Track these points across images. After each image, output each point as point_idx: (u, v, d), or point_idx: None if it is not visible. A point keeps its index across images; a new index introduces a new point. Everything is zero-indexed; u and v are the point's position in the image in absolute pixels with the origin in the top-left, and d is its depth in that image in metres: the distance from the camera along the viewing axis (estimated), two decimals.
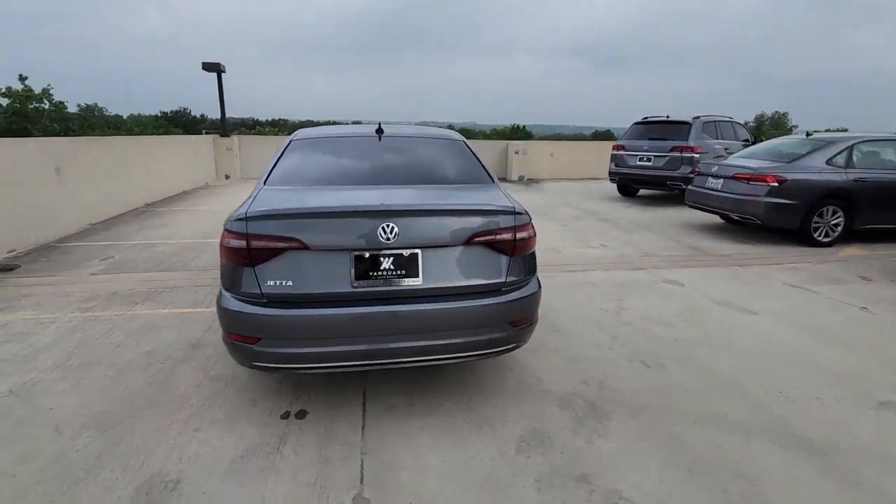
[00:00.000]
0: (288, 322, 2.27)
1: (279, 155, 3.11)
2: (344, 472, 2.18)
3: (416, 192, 2.76)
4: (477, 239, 2.43)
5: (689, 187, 7.61)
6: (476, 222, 2.44)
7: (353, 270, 2.32)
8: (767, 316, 4.09)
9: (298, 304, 2.31)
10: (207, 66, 12.46)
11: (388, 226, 2.31)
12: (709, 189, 7.18)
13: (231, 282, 2.36)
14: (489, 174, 3.11)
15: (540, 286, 2.71)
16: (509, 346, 2.58)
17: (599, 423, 2.57)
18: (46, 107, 44.96)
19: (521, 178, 14.35)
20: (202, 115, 72.26)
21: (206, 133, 17.00)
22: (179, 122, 66.08)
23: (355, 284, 2.32)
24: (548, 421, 2.59)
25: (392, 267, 2.36)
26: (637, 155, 9.94)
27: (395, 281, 2.36)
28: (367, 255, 2.33)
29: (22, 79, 41.34)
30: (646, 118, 10.43)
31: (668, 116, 9.96)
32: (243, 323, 2.29)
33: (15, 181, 5.80)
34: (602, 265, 5.57)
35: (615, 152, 10.44)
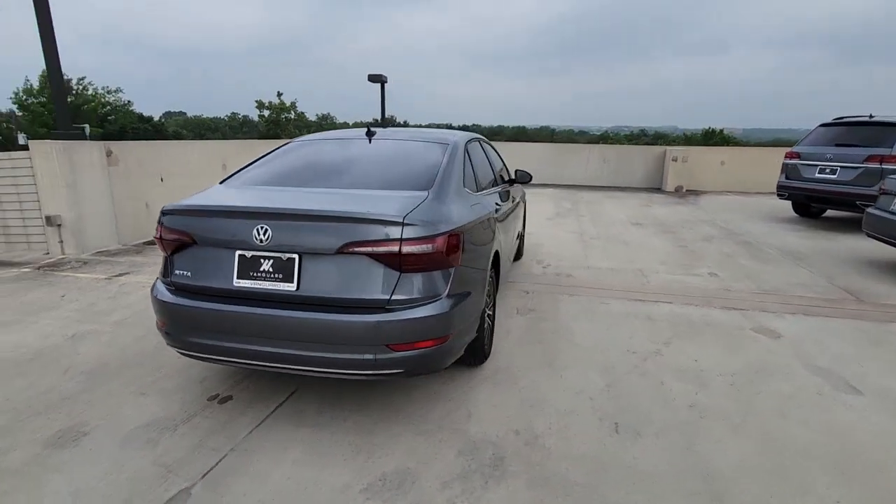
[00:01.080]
0: (182, 311, 2.43)
1: (261, 157, 3.33)
2: (200, 463, 2.25)
3: (324, 196, 2.66)
4: (353, 249, 2.24)
5: (869, 210, 5.67)
6: (351, 231, 2.25)
7: (236, 269, 2.37)
8: (875, 400, 2.83)
9: (194, 294, 2.45)
10: (372, 78, 13.90)
11: (261, 228, 2.29)
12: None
13: (161, 268, 2.63)
14: (443, 180, 2.81)
15: (455, 307, 2.38)
16: (393, 371, 2.31)
17: (485, 484, 2.13)
18: (293, 116, 55.73)
19: (677, 189, 12.53)
20: (405, 122, 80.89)
21: None
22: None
23: (237, 283, 2.36)
24: (431, 465, 2.25)
25: (270, 270, 2.33)
26: (816, 165, 7.77)
27: (271, 284, 2.33)
28: (248, 255, 2.35)
29: (278, 95, 51.73)
30: (840, 118, 8.09)
31: (871, 116, 7.56)
32: (157, 306, 2.53)
33: (194, 173, 7.40)
34: (684, 298, 4.56)
35: (787, 161, 8.34)
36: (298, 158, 3.26)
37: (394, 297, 2.27)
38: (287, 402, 2.76)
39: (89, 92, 47.20)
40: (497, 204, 3.66)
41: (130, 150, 6.65)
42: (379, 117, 15.09)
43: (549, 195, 11.85)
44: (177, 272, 2.49)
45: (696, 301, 4.49)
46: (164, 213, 2.52)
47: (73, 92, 46.28)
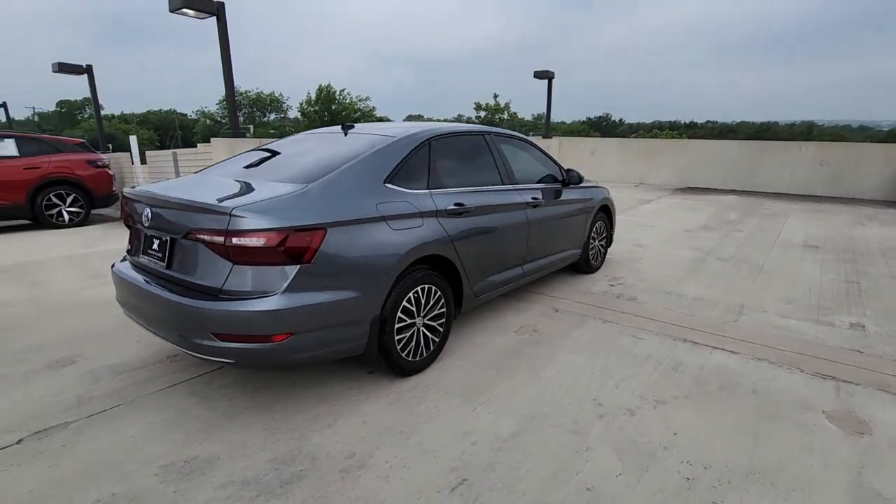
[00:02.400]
0: (115, 279, 2.87)
1: (257, 147, 3.63)
2: (99, 405, 2.65)
3: (208, 185, 2.76)
4: (195, 236, 2.30)
5: None
6: (192, 219, 2.30)
7: (141, 245, 2.68)
8: None
9: (130, 266, 2.87)
10: (539, 74, 13.51)
11: (147, 212, 2.53)
12: None
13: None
14: (341, 175, 2.64)
15: (298, 307, 2.25)
16: (223, 360, 2.30)
17: (256, 497, 1.97)
18: (506, 117, 58.40)
19: None
20: (620, 120, 75.99)
21: (533, 135, 18.35)
22: (599, 127, 71.95)
23: (141, 257, 2.67)
24: (236, 461, 2.18)
25: (157, 248, 2.57)
26: None
27: (154, 261, 2.56)
28: (146, 234, 2.63)
29: (494, 96, 54.72)
30: None
31: None
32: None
33: None
34: (767, 350, 3.29)
35: None
36: (261, 151, 3.46)
37: (225, 287, 2.27)
38: (208, 374, 3.01)
39: (347, 101, 57.65)
40: (482, 206, 3.27)
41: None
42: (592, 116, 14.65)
43: (719, 203, 9.77)
44: (127, 246, 2.96)
45: (780, 357, 3.19)
46: (122, 196, 3.03)
47: (336, 101, 57.10)
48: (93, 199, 8.72)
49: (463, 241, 3.13)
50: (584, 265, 4.93)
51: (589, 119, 75.42)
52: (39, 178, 8.16)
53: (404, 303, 2.77)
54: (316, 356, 2.47)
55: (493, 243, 3.45)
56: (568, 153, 14.25)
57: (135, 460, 2.21)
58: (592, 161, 14.00)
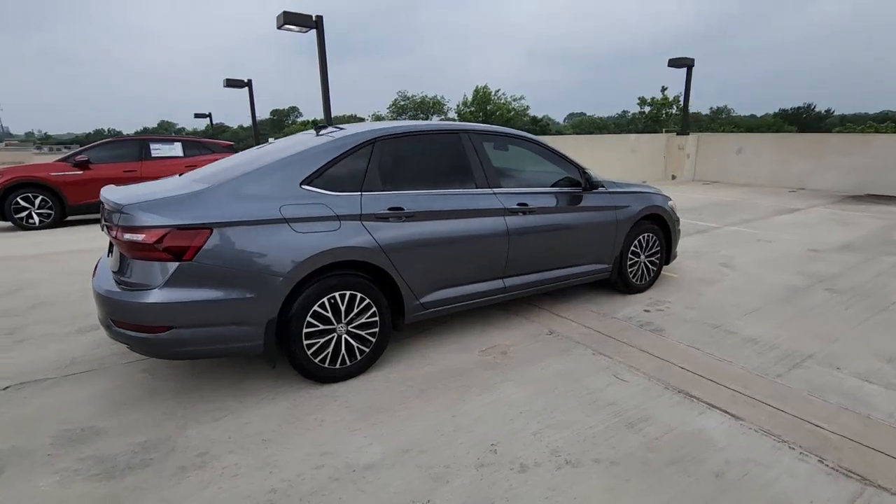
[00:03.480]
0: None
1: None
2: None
3: (150, 185, 2.96)
4: (109, 232, 2.51)
5: None
6: (109, 216, 2.50)
7: None
8: None
9: None
10: (674, 62, 11.85)
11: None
12: None
13: None
14: (246, 176, 2.67)
15: (177, 303, 2.36)
16: (125, 344, 2.49)
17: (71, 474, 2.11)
18: (674, 111, 53.40)
19: None
20: (827, 111, 62.80)
21: (667, 132, 16.00)
22: (797, 120, 60.62)
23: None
24: (108, 440, 2.36)
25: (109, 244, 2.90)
26: None
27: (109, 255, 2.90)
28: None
29: (662, 90, 50.55)
30: None
31: None
32: None
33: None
34: (793, 421, 2.40)
35: None
36: (238, 154, 3.59)
37: (122, 278, 2.47)
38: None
39: (501, 101, 58.38)
40: (431, 211, 3.01)
41: None
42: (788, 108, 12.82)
43: (894, 218, 7.42)
44: None
45: (803, 436, 2.31)
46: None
47: (491, 101, 58.20)
48: None
49: (401, 248, 2.91)
50: (622, 284, 4.20)
51: (783, 111, 63.76)
52: None
53: (316, 307, 2.69)
54: (203, 351, 2.54)
55: (451, 252, 3.13)
56: (707, 153, 12.29)
57: (53, 420, 2.54)
58: (736, 161, 11.84)
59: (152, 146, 9.93)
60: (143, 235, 2.35)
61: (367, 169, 2.92)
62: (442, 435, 2.37)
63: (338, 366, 2.83)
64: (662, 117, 50.17)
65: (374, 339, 2.93)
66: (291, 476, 2.09)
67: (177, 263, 2.38)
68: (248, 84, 13.41)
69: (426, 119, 71.38)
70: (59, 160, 9.39)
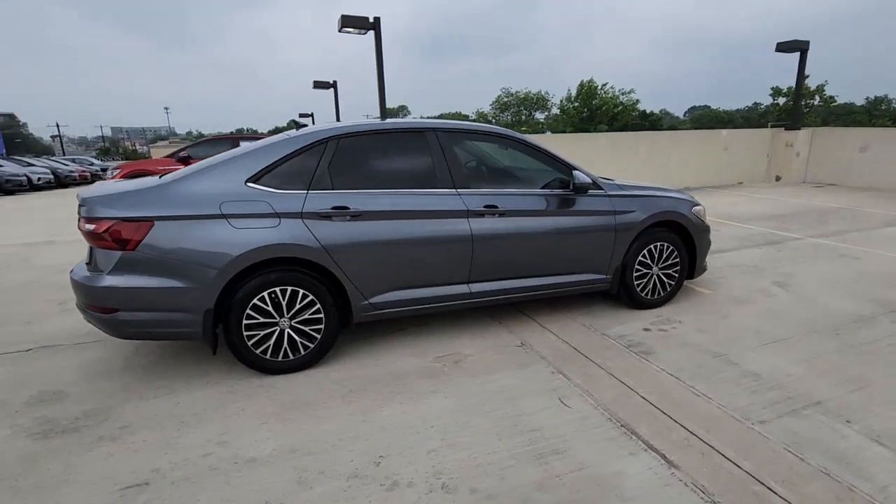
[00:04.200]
0: None
1: None
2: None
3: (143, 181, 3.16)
4: None
5: None
6: (81, 209, 2.79)
7: None
8: None
9: None
10: (784, 47, 10.27)
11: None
12: None
13: None
14: (191, 172, 2.85)
15: (122, 287, 2.59)
16: (92, 324, 2.78)
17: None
18: (816, 102, 47.14)
19: None
20: None
21: (773, 126, 13.72)
22: None
23: None
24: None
25: None
26: None
27: None
28: None
29: (804, 78, 45.20)
30: None
31: None
32: None
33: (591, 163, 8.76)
34: (761, 479, 1.99)
35: None
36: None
37: (88, 265, 2.76)
38: None
39: (608, 95, 55.40)
40: (381, 211, 2.96)
41: None
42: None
43: None
44: None
45: (739, 491, 1.90)
46: None
47: (597, 96, 55.60)
48: None
49: (345, 247, 2.89)
50: (626, 298, 3.78)
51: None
52: None
53: (256, 301, 2.79)
54: (150, 333, 2.75)
55: (404, 253, 3.05)
56: (823, 151, 10.52)
57: (40, 381, 2.93)
58: (861, 161, 9.96)
59: (242, 144, 10.98)
60: (94, 226, 2.61)
61: (316, 168, 2.95)
62: (340, 439, 2.32)
63: (280, 358, 2.90)
64: (805, 108, 44.28)
65: (318, 336, 2.96)
66: (178, 459, 2.20)
67: (121, 252, 2.61)
68: (333, 85, 14.29)
69: (528, 115, 70.14)
70: (166, 156, 10.78)
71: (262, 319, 2.82)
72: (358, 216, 2.94)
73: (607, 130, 49.17)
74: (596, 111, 56.24)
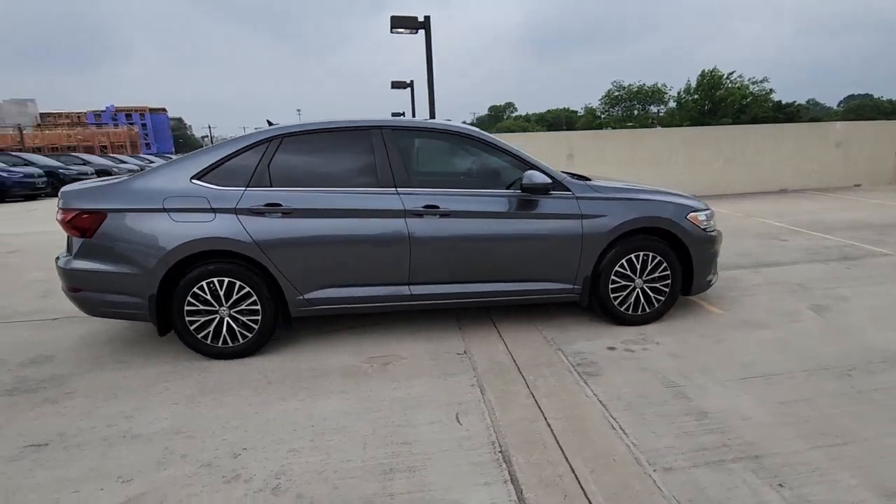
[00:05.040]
0: None
1: None
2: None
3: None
4: None
5: None
6: (58, 201, 3.19)
7: None
8: None
9: None
10: None
11: None
12: None
13: None
14: (151, 170, 3.12)
15: (82, 270, 2.95)
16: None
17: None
18: None
19: None
20: None
21: None
22: None
23: None
24: None
25: None
26: None
27: None
28: None
29: None
30: None
31: None
32: None
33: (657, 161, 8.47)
34: None
35: None
36: None
37: (68, 250, 3.16)
38: None
39: (736, 85, 49.74)
40: (313, 209, 3.01)
41: None
42: None
43: None
44: None
45: None
46: None
47: (722, 86, 50.25)
48: None
49: (278, 243, 2.98)
50: (602, 312, 3.41)
51: None
52: None
53: (196, 290, 2.99)
54: (109, 312, 3.07)
55: (336, 251, 3.06)
56: None
57: (43, 345, 3.43)
58: None
59: None
60: (64, 216, 3.00)
61: (256, 166, 3.07)
62: (222, 427, 2.41)
63: (220, 345, 3.09)
64: None
65: (256, 326, 3.09)
66: (86, 427, 2.43)
67: (82, 239, 2.96)
68: (410, 85, 14.65)
69: (641, 109, 65.63)
70: None
71: (201, 307, 3.02)
72: (290, 213, 3.01)
73: (731, 124, 44.25)
74: (719, 103, 50.95)
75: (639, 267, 3.33)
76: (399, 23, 7.90)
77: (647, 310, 3.42)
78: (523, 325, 3.53)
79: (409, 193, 3.11)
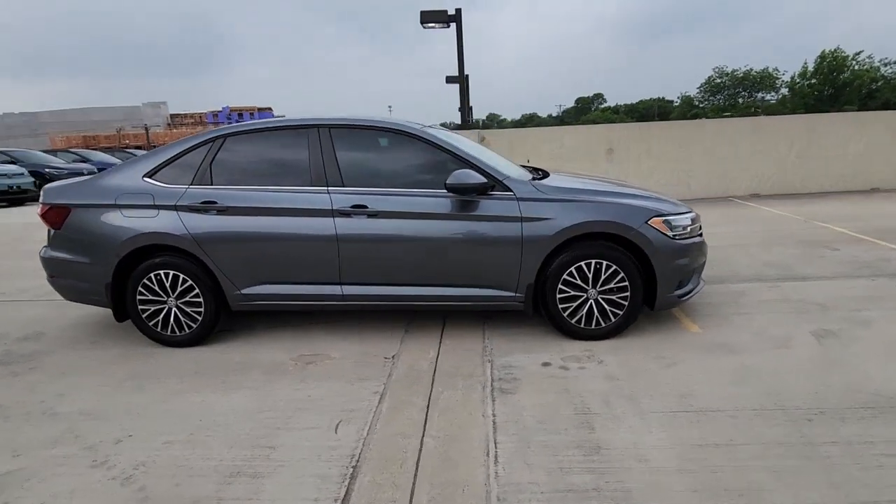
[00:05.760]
0: None
1: None
2: None
3: None
4: None
5: None
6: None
7: None
8: None
9: None
10: None
11: None
12: None
13: None
14: (114, 168, 3.35)
15: (53, 258, 3.27)
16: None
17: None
18: None
19: None
20: None
21: None
22: None
23: None
24: None
25: None
26: None
27: None
28: None
29: None
30: None
31: None
32: None
33: (567, 157, 7.99)
34: None
35: None
36: None
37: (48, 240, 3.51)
38: None
39: (865, 67, 43.34)
40: (246, 207, 3.08)
41: (503, 136, 8.09)
42: None
43: None
44: None
45: None
46: None
47: (847, 68, 44.10)
48: None
49: (213, 238, 3.08)
50: (550, 322, 3.14)
51: None
52: None
53: (145, 280, 3.19)
54: (78, 297, 3.37)
55: (267, 248, 3.10)
56: None
57: (46, 324, 3.85)
58: None
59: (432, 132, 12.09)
60: (40, 209, 3.33)
61: (200, 164, 3.19)
62: (126, 413, 2.54)
63: (168, 333, 3.27)
64: None
65: (199, 318, 3.23)
66: (22, 401, 2.69)
67: (53, 231, 3.27)
68: (465, 79, 14.41)
69: (748, 96, 59.64)
70: None
71: (151, 297, 3.22)
72: (224, 211, 3.09)
73: (856, 111, 38.68)
74: (843, 88, 44.84)
75: (590, 276, 3.00)
76: (429, 18, 7.82)
77: (603, 324, 3.08)
78: (471, 331, 3.35)
79: (339, 193, 3.07)
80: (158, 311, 3.24)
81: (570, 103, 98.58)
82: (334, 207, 3.04)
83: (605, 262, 2.98)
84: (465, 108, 8.39)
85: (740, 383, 2.55)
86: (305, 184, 3.13)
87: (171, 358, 3.16)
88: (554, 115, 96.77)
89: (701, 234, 3.28)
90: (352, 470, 2.04)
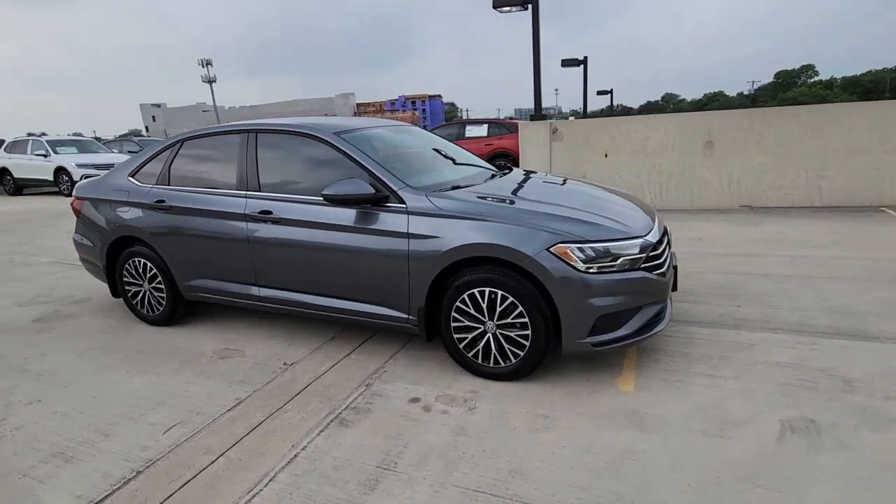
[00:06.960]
0: None
1: None
2: None
3: None
4: None
5: None
6: None
7: None
8: None
9: None
10: None
11: None
12: None
13: None
14: (116, 167, 3.83)
15: (76, 241, 3.98)
16: None
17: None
18: None
19: None
20: None
21: None
22: None
23: None
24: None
25: None
26: None
27: None
28: None
29: None
30: None
31: None
32: None
33: (652, 151, 6.96)
34: None
35: None
36: None
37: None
38: None
39: None
40: (184, 207, 3.35)
41: (578, 127, 7.27)
42: None
43: None
44: None
45: None
46: None
47: None
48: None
49: (162, 233, 3.43)
50: (448, 352, 2.79)
51: None
52: (491, 152, 11.36)
53: (127, 265, 3.70)
54: (95, 275, 4.04)
55: (198, 246, 3.35)
56: None
57: (90, 293, 4.75)
58: None
59: (468, 127, 11.98)
60: (71, 201, 4.07)
61: (162, 167, 3.54)
62: (61, 380, 2.99)
63: (146, 312, 3.76)
64: None
65: (163, 303, 3.64)
66: (8, 355, 3.37)
67: (77, 218, 3.98)
68: (584, 62, 13.02)
69: None
70: None
71: (132, 280, 3.73)
72: (169, 210, 3.40)
73: None
74: None
75: (484, 306, 2.57)
76: (503, 2, 7.29)
77: (502, 363, 2.62)
78: (388, 348, 3.15)
79: (253, 197, 3.12)
80: (137, 293, 3.74)
81: (769, 78, 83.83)
82: (247, 212, 3.11)
83: (500, 293, 2.52)
84: (538, 94, 7.55)
85: (597, 475, 1.94)
86: (231, 187, 3.26)
87: (139, 335, 3.62)
88: (746, 93, 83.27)
89: (660, 266, 2.55)
90: (133, 475, 2.12)
